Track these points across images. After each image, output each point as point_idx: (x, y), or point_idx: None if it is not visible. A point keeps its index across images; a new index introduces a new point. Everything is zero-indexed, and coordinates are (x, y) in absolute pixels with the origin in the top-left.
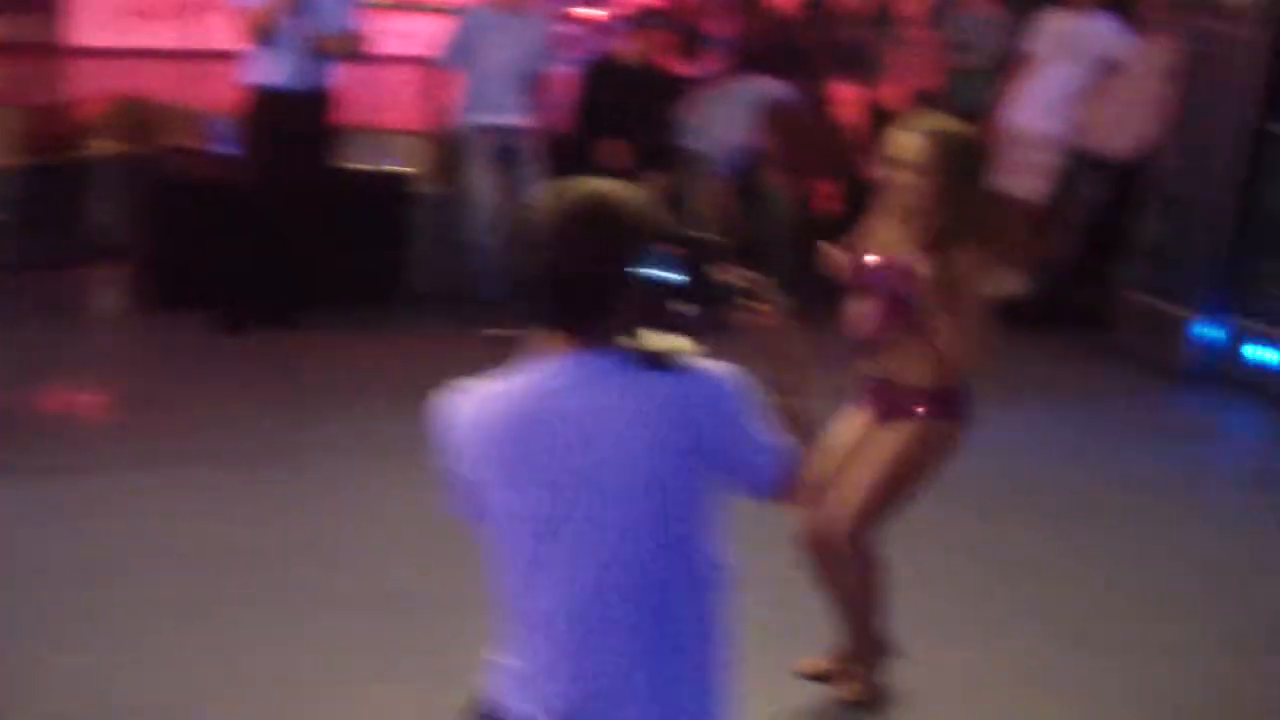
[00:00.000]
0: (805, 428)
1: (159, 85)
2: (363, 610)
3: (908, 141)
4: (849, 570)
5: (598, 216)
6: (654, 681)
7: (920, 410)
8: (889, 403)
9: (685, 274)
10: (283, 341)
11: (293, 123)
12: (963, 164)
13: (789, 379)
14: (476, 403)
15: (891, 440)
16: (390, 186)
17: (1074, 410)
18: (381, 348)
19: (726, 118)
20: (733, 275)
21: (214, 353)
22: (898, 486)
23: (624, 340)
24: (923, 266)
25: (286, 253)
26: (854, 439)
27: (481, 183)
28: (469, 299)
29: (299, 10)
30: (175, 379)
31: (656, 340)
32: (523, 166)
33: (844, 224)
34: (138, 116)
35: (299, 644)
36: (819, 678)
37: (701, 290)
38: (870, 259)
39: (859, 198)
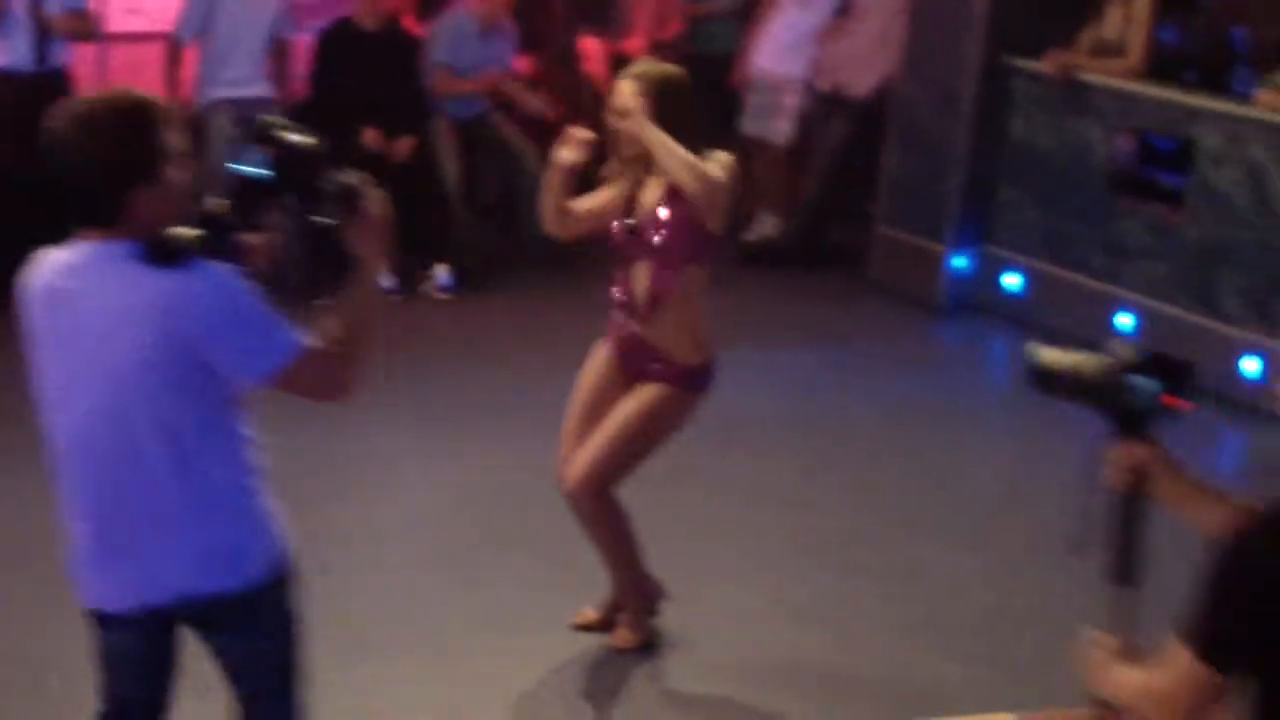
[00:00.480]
0: (352, 328)
1: None
2: None
3: (620, 88)
4: (597, 523)
5: (98, 121)
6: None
7: (670, 379)
8: (641, 364)
9: (273, 170)
10: None
11: (27, 106)
12: (670, 101)
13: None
14: (34, 271)
15: (636, 403)
16: None
17: (835, 347)
18: None
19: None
20: (333, 176)
21: None
22: (635, 448)
23: (143, 234)
24: (678, 212)
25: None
26: (597, 387)
27: (227, 159)
28: None
29: None
30: None
31: (176, 235)
32: None
33: (590, 173)
34: None
35: None
36: (595, 627)
37: (291, 186)
38: (635, 221)
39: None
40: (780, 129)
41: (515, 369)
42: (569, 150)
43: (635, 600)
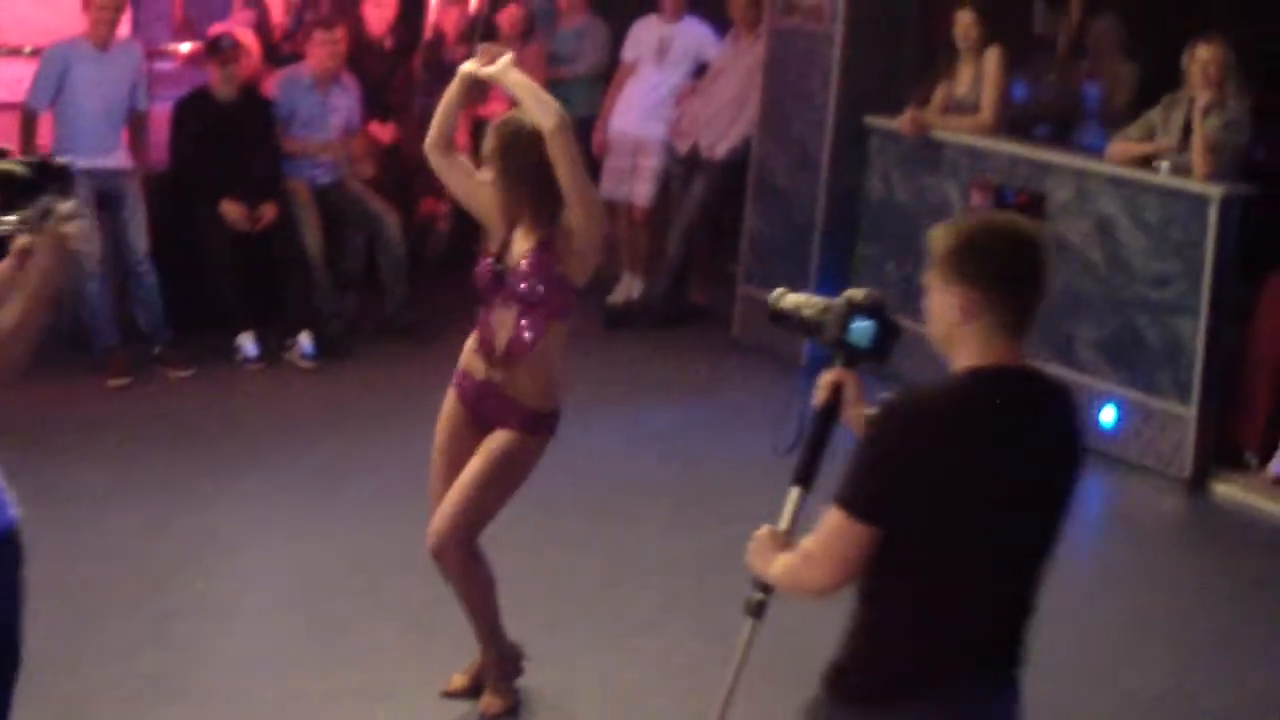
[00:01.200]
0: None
1: None
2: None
3: (485, 139)
4: (462, 577)
5: None
6: None
7: (518, 425)
8: (489, 409)
9: None
10: None
11: None
12: (521, 150)
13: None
14: None
15: (485, 454)
16: None
17: (694, 406)
18: None
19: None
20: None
21: None
22: (489, 497)
23: None
24: (541, 261)
25: None
26: (451, 438)
27: (86, 226)
28: (82, 346)
29: None
30: None
31: None
32: (125, 209)
33: (454, 240)
34: None
35: None
36: (464, 693)
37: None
38: (503, 265)
39: (467, 215)
40: (642, 191)
41: (375, 439)
42: (477, 61)
43: (499, 664)
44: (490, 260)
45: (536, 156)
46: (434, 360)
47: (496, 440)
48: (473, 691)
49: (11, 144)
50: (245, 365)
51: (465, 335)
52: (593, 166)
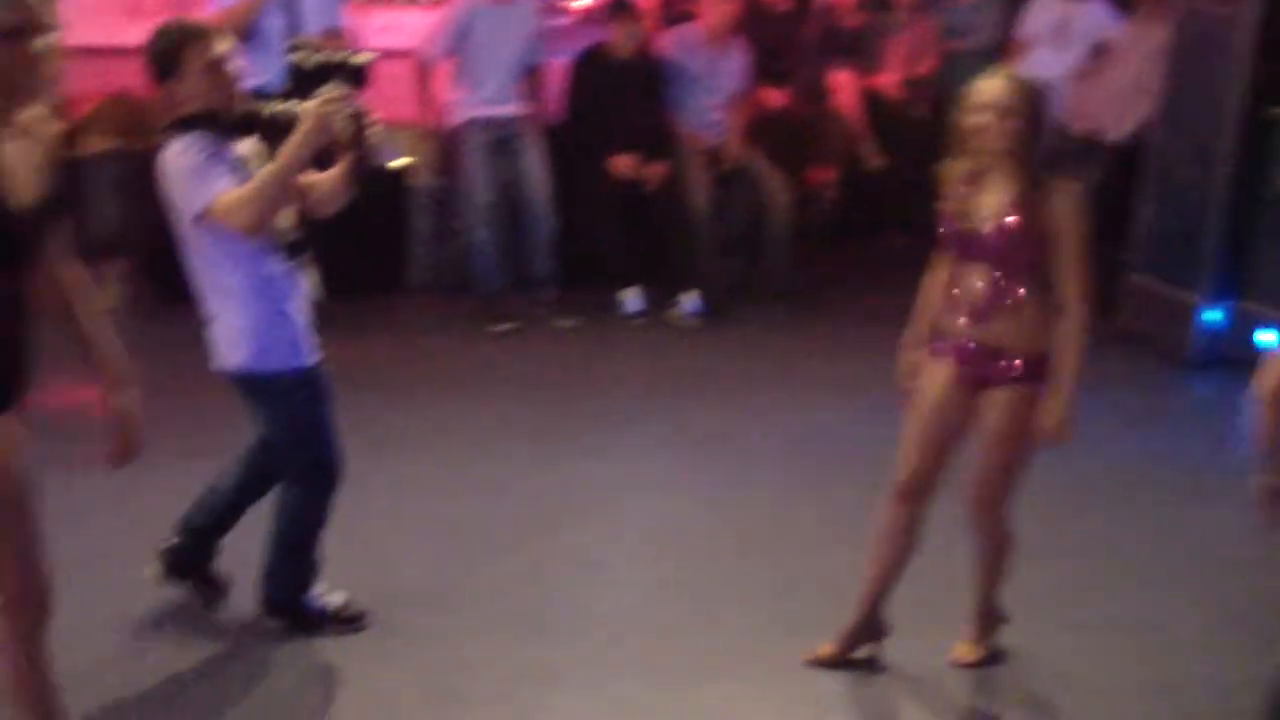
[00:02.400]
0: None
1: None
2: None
3: (990, 86)
4: (990, 539)
5: None
6: None
7: (1018, 377)
8: (983, 369)
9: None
10: None
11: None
12: (1036, 108)
13: None
14: None
15: (999, 413)
16: (388, 181)
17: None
18: (382, 342)
19: (714, 99)
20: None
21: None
22: (1017, 454)
23: None
24: (1025, 221)
25: None
26: (939, 406)
27: (479, 175)
28: (468, 292)
29: (278, 9)
30: (174, 374)
31: None
32: (522, 157)
33: (839, 211)
34: (129, 114)
35: None
36: (830, 663)
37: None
38: (973, 225)
39: (855, 185)
40: None
41: (749, 403)
42: None
43: (987, 618)
44: (957, 219)
45: (1037, 114)
46: (812, 328)
47: (998, 399)
48: (839, 661)
49: (408, 89)
50: (628, 320)
51: (846, 304)
52: None
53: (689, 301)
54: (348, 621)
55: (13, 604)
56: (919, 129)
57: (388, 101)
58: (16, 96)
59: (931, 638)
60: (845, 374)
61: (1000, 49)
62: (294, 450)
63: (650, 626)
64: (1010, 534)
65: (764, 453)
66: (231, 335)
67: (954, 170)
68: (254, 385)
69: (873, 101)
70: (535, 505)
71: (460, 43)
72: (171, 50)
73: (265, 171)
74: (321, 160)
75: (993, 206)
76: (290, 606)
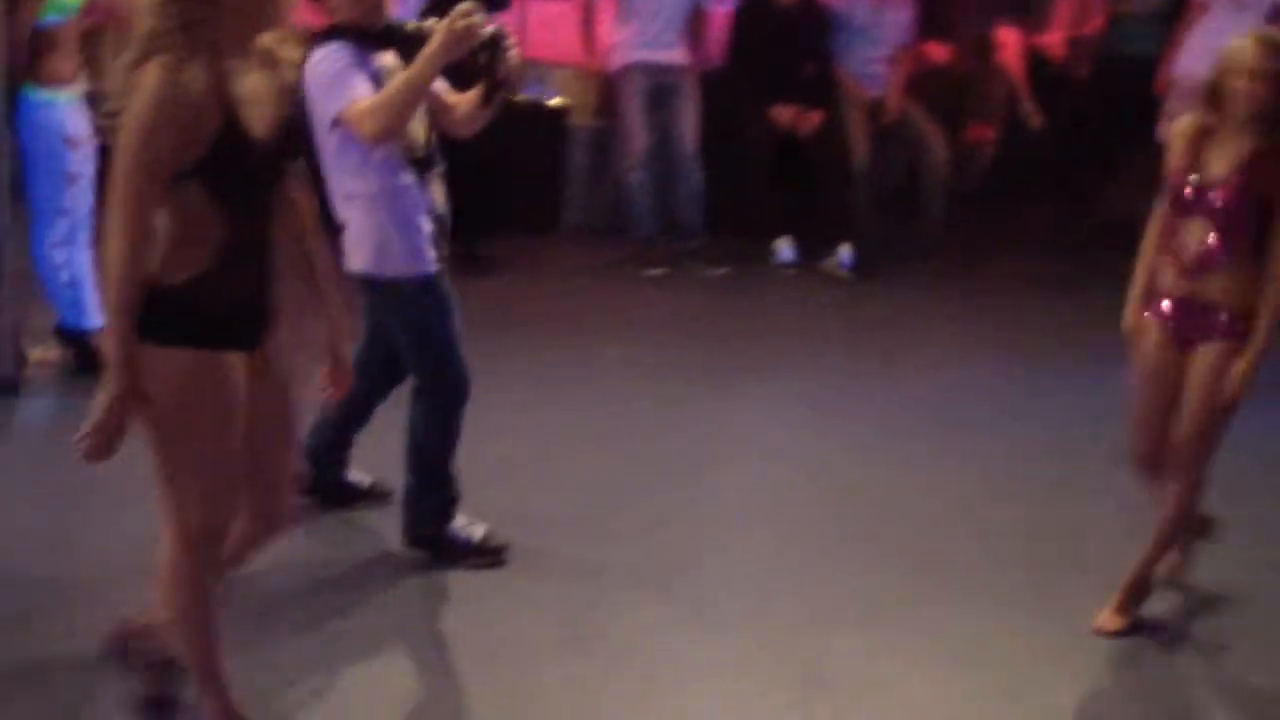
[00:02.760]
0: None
1: None
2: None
3: (1245, 48)
4: (1189, 491)
5: None
6: None
7: (1228, 332)
8: (1196, 324)
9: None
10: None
11: None
12: None
13: None
14: None
15: (1209, 370)
16: (548, 120)
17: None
18: (537, 282)
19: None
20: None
21: None
22: (1227, 414)
23: None
24: (1253, 181)
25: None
26: (1159, 366)
27: (635, 120)
28: (623, 235)
29: None
30: None
31: None
32: (678, 104)
33: (996, 170)
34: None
35: None
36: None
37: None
38: (1200, 179)
39: (1015, 142)
40: None
41: (899, 358)
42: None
43: (1141, 587)
44: (1182, 174)
45: None
46: (963, 287)
47: (1206, 354)
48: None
49: (572, 32)
50: (781, 269)
51: (999, 262)
52: (1153, 106)
53: (845, 253)
54: (490, 553)
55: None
56: (1079, 90)
57: (550, 42)
58: (258, 24)
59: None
60: (992, 335)
61: (1171, 11)
62: (416, 358)
63: (787, 573)
64: (1196, 499)
65: (906, 408)
66: (356, 239)
67: (1187, 125)
68: (375, 289)
69: (1035, 60)
70: (681, 448)
71: None
72: None
73: (395, 82)
74: (463, 81)
75: (1223, 165)
76: (432, 537)
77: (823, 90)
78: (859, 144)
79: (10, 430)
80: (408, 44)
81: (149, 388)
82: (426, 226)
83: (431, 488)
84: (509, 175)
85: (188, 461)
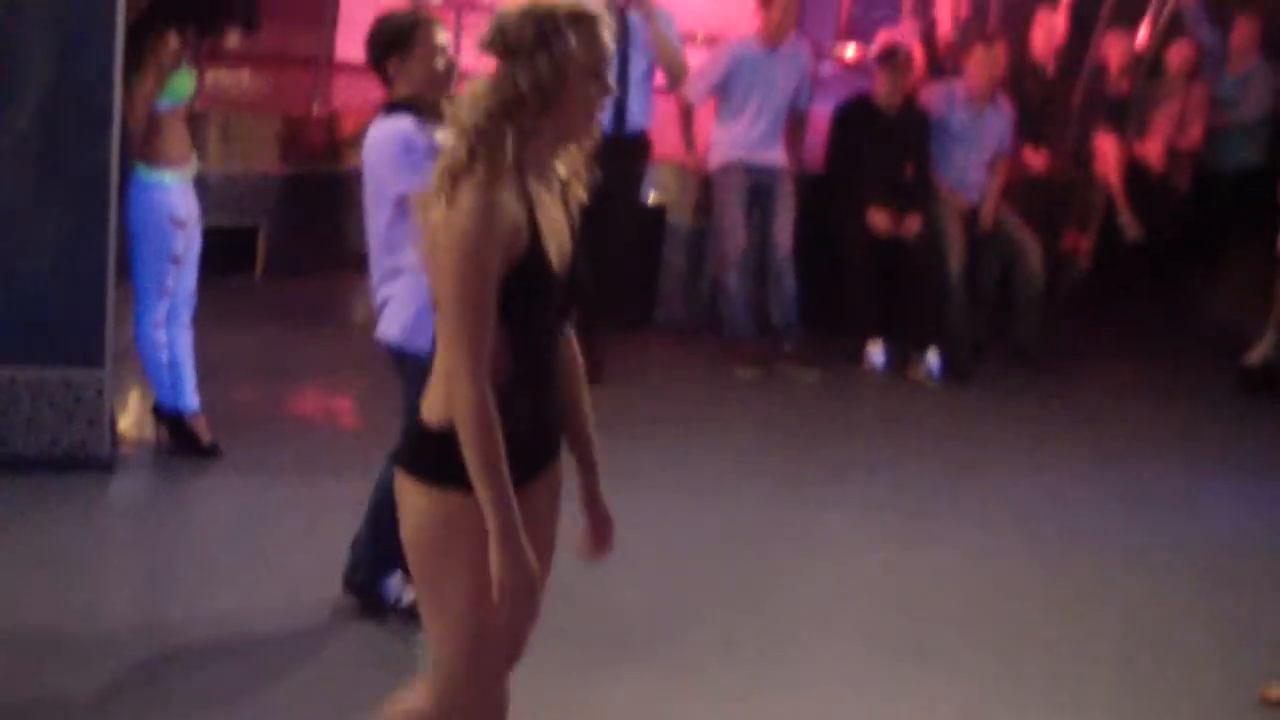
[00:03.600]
0: None
1: None
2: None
3: None
4: None
5: None
6: None
7: None
8: None
9: None
10: None
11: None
12: None
13: None
14: None
15: None
16: (645, 217)
17: None
18: (630, 377)
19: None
20: None
21: None
22: None
23: None
24: None
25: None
26: None
27: (733, 220)
28: (716, 334)
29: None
30: None
31: None
32: (775, 206)
33: (1091, 279)
34: None
35: None
36: None
37: None
38: None
39: (1110, 253)
40: None
41: (987, 467)
42: None
43: None
44: None
45: None
46: (1056, 396)
47: None
48: None
49: (671, 128)
50: (871, 374)
51: (1093, 374)
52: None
53: (933, 360)
54: (413, 616)
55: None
56: (1179, 202)
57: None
58: (573, 139)
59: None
60: (1086, 446)
61: (1272, 120)
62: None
63: (869, 683)
64: None
65: (993, 517)
66: (393, 310)
67: None
68: (401, 360)
69: (1134, 170)
70: (762, 548)
71: (727, 84)
72: (406, 29)
73: None
74: None
75: None
76: (362, 585)
77: (920, 195)
78: (955, 250)
79: (104, 509)
80: None
81: (408, 524)
82: None
83: (375, 540)
84: (605, 270)
85: (445, 609)
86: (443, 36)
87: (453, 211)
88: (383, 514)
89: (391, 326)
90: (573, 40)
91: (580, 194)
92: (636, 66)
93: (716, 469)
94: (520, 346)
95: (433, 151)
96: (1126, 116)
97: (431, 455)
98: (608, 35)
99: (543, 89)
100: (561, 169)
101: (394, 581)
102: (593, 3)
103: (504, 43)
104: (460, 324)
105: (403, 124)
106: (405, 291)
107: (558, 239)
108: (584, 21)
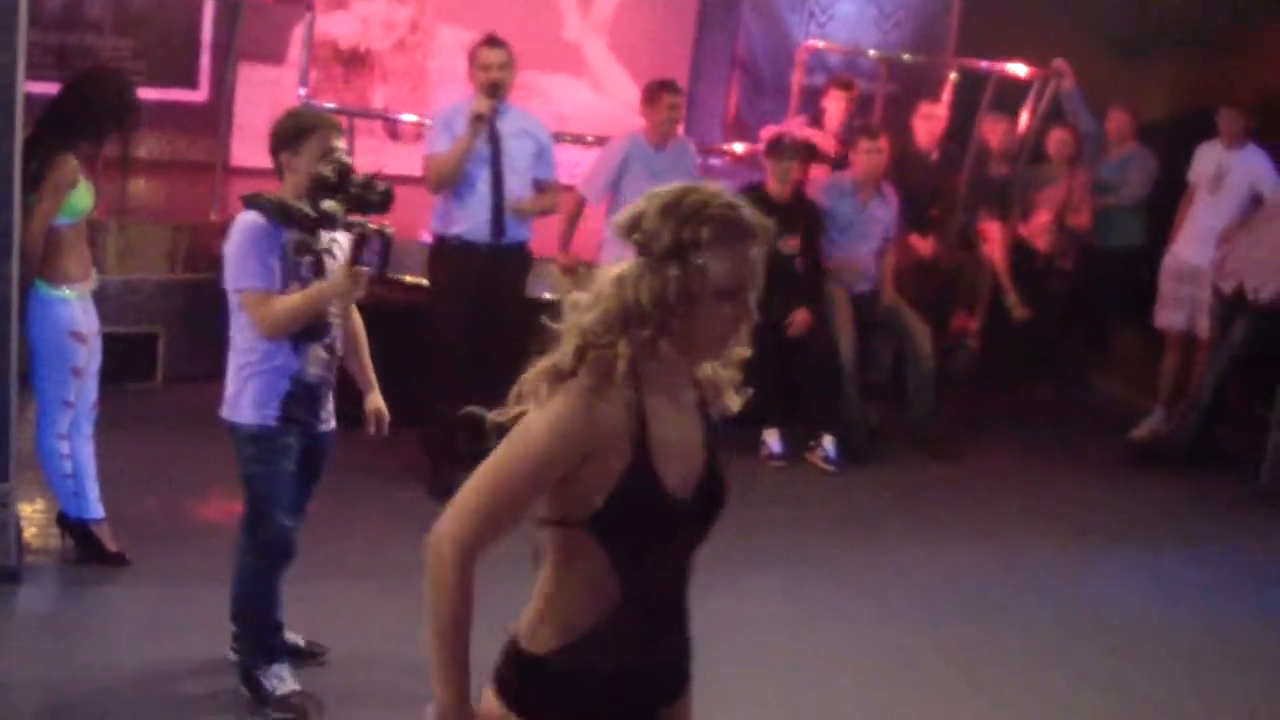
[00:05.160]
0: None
1: None
2: None
3: None
4: None
5: None
6: None
7: None
8: None
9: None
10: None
11: (482, 275)
12: None
13: None
14: None
15: None
16: (536, 314)
17: (1213, 553)
18: None
19: (864, 246)
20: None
21: (375, 474)
22: None
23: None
24: None
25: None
26: None
27: None
28: None
29: (484, 162)
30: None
31: None
32: None
33: (982, 360)
34: None
35: None
36: None
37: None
38: None
39: (1000, 333)
40: (1204, 324)
41: (889, 549)
42: None
43: None
44: None
45: None
46: (952, 477)
47: None
48: None
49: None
50: (769, 461)
51: (987, 452)
52: (1149, 294)
53: (830, 446)
54: (288, 710)
55: None
56: (1065, 282)
57: (541, 238)
58: (703, 356)
59: None
60: (984, 524)
61: (1149, 204)
62: (245, 502)
63: None
64: None
65: (897, 600)
66: (226, 383)
67: None
68: (230, 432)
69: (1021, 251)
70: None
71: (619, 180)
72: (304, 127)
73: (295, 300)
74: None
75: None
76: (247, 672)
77: (814, 286)
78: (846, 337)
79: (12, 619)
80: (309, 224)
81: None
82: (284, 387)
83: (244, 627)
84: (498, 377)
85: None
86: (339, 143)
87: (538, 413)
88: (237, 601)
89: (224, 404)
90: (712, 260)
91: (729, 405)
92: (511, 182)
93: None
94: (629, 573)
95: (284, 251)
96: (1010, 200)
97: (536, 688)
98: (757, 253)
99: (666, 307)
100: (701, 378)
101: (275, 671)
102: (482, 105)
103: (639, 238)
104: (478, 499)
105: (251, 219)
106: (232, 367)
107: (681, 460)
108: (732, 236)
